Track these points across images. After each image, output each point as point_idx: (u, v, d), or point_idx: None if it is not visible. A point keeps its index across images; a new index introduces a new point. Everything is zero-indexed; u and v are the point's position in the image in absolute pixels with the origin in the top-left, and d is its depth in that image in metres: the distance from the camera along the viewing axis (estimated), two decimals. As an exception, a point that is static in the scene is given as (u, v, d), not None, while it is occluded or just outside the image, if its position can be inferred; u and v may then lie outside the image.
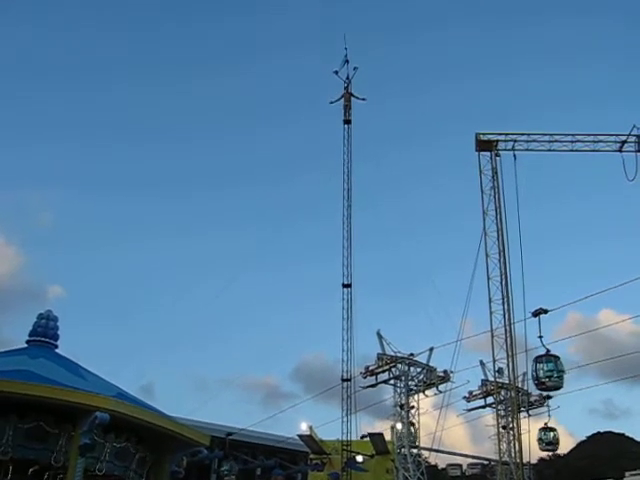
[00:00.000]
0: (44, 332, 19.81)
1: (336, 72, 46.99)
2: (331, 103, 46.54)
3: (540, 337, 33.01)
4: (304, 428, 44.87)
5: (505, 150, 37.61)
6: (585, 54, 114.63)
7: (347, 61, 46.93)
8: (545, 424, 40.55)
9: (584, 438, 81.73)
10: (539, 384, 33.34)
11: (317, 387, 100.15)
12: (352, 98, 46.24)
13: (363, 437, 42.51)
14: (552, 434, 40.36)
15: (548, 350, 33.00)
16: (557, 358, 33.11)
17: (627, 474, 57.14)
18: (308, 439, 44.25)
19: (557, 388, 33.99)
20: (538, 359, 33.10)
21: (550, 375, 32.77)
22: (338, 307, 41.17)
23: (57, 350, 19.99)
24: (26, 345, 19.66)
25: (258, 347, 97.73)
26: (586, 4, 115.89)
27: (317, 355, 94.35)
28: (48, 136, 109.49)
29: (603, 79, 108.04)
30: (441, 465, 58.68)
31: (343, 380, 39.71)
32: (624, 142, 35.95)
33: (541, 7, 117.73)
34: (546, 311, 32.82)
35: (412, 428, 41.63)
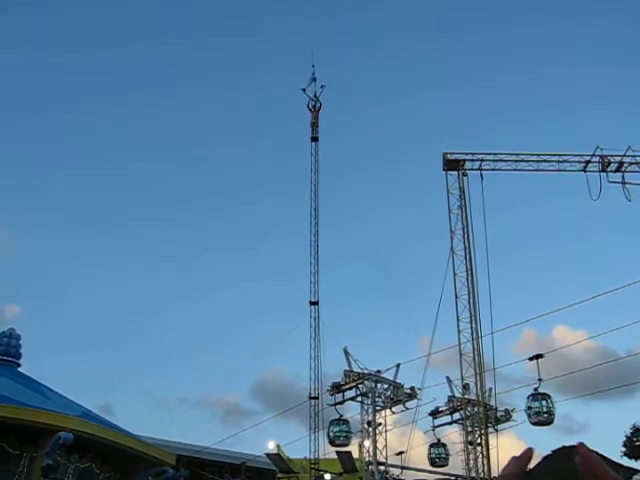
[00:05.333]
0: (6, 350, 19.40)
1: (304, 90, 47.38)
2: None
3: (335, 405, 40.41)
4: (271, 447, 44.49)
5: (472, 170, 38.09)
6: (551, 65, 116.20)
7: (314, 79, 47.36)
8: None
9: (548, 452, 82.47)
10: (331, 442, 39.98)
11: (277, 404, 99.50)
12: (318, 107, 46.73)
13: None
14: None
15: (341, 415, 40.12)
16: (347, 422, 40.27)
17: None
18: (276, 458, 43.84)
19: (345, 445, 40.42)
20: (332, 422, 40.05)
21: (339, 436, 39.94)
22: (298, 323, 41.27)
23: (20, 369, 19.60)
24: (-13, 364, 19.24)
25: (216, 365, 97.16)
26: (553, 14, 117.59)
27: (276, 371, 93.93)
28: (16, 161, 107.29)
29: (569, 93, 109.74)
30: (408, 482, 58.62)
31: (310, 398, 39.57)
32: (588, 162, 36.64)
33: (507, 20, 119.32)
34: (339, 386, 40.30)
35: (379, 445, 41.61)
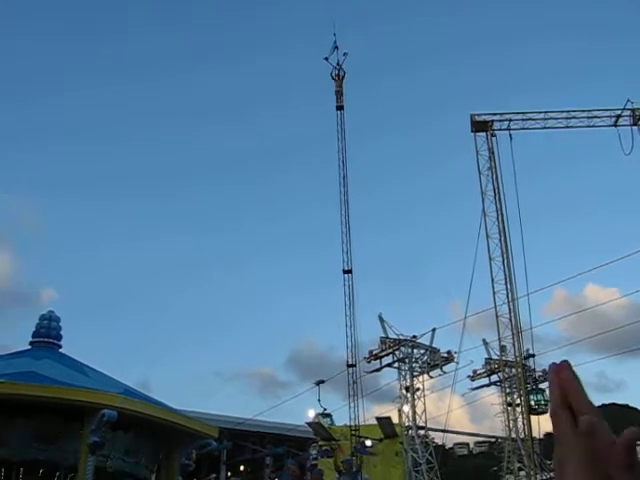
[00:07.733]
0: (47, 333, 19.76)
1: (326, 58, 46.72)
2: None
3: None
4: (311, 415, 44.93)
5: (500, 130, 37.49)
6: (578, 29, 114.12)
7: (337, 47, 46.63)
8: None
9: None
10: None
11: (312, 374, 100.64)
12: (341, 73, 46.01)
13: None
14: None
15: (325, 409, 41.23)
16: (329, 415, 41.09)
17: (634, 445, 57.61)
18: (317, 426, 44.26)
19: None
20: (317, 415, 40.88)
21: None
22: (329, 294, 41.31)
23: (61, 350, 19.97)
24: (30, 346, 19.62)
25: (251, 339, 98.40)
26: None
27: (309, 342, 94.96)
28: (35, 142, 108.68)
29: (597, 53, 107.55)
30: (448, 445, 59.00)
31: (348, 366, 39.69)
32: (619, 116, 35.80)
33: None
34: (324, 381, 41.19)
35: (418, 410, 41.77)
